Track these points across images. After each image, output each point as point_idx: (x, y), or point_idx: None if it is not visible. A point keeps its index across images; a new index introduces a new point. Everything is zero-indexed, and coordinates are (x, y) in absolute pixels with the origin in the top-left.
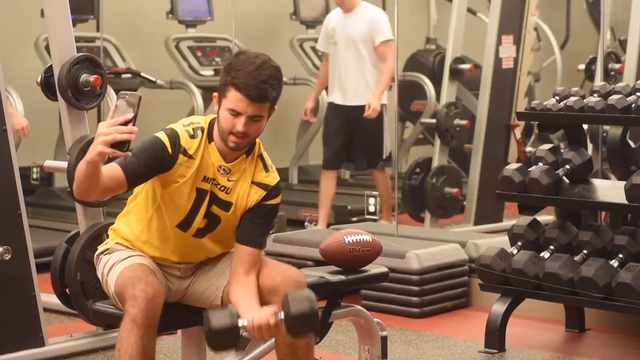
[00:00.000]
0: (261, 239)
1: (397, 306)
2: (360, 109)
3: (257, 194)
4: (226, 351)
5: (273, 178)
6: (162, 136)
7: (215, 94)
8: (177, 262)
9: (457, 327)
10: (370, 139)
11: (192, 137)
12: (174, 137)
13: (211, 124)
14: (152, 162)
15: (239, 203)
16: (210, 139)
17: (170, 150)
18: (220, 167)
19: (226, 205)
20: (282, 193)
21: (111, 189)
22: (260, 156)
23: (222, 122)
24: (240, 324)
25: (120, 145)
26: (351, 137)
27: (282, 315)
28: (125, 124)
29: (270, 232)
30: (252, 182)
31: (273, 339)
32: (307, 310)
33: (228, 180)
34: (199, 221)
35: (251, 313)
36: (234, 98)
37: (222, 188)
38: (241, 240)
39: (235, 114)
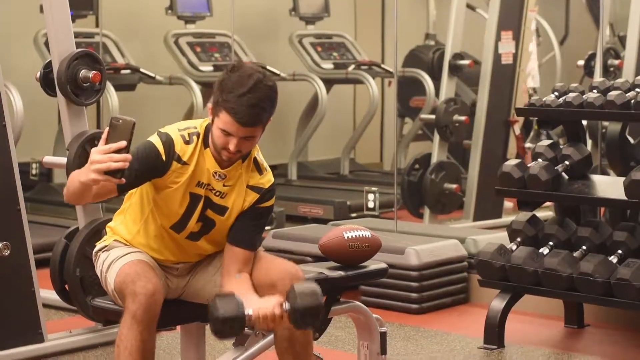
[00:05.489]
0: (254, 240)
1: (396, 302)
2: None
3: (252, 197)
4: (229, 338)
5: (267, 180)
6: (157, 142)
7: (209, 105)
8: (174, 261)
9: (456, 323)
10: None
11: (187, 142)
12: (168, 143)
13: (207, 129)
14: (145, 169)
15: (235, 207)
16: (205, 144)
17: (164, 157)
18: (215, 172)
19: (221, 210)
20: (282, 189)
21: (102, 195)
22: (255, 159)
23: (215, 138)
24: (246, 313)
25: (114, 172)
26: None
27: (287, 306)
28: (118, 151)
29: (264, 232)
30: (247, 186)
31: (272, 335)
32: (313, 304)
33: (224, 185)
34: (192, 225)
35: (256, 303)
36: (225, 121)
37: (217, 193)
38: (234, 241)
39: (227, 134)
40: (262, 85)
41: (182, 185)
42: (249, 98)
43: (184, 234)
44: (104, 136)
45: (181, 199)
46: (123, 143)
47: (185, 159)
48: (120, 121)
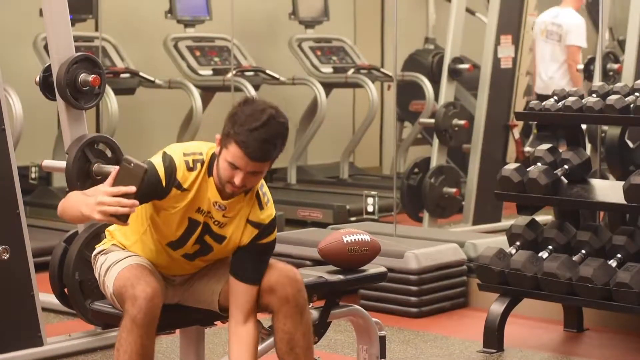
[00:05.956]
0: (257, 275)
1: (396, 306)
2: None
3: (250, 232)
4: None
5: (267, 215)
6: (159, 166)
7: (217, 135)
8: (170, 274)
9: (455, 327)
10: None
11: (190, 169)
12: (170, 169)
13: (213, 158)
14: (143, 192)
15: (233, 237)
16: (210, 172)
17: (164, 183)
18: (215, 202)
19: (220, 238)
20: (281, 193)
21: None
22: (257, 193)
23: (220, 170)
24: None
25: (120, 215)
26: None
27: None
28: (126, 195)
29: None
30: (247, 220)
31: (272, 338)
32: None
33: (223, 216)
34: (189, 246)
35: None
36: (234, 153)
37: (216, 222)
38: (237, 276)
39: (234, 167)
40: (275, 122)
41: (180, 210)
42: (261, 133)
43: (179, 252)
44: (112, 175)
45: (179, 223)
46: (133, 189)
47: (185, 186)
48: (132, 165)
